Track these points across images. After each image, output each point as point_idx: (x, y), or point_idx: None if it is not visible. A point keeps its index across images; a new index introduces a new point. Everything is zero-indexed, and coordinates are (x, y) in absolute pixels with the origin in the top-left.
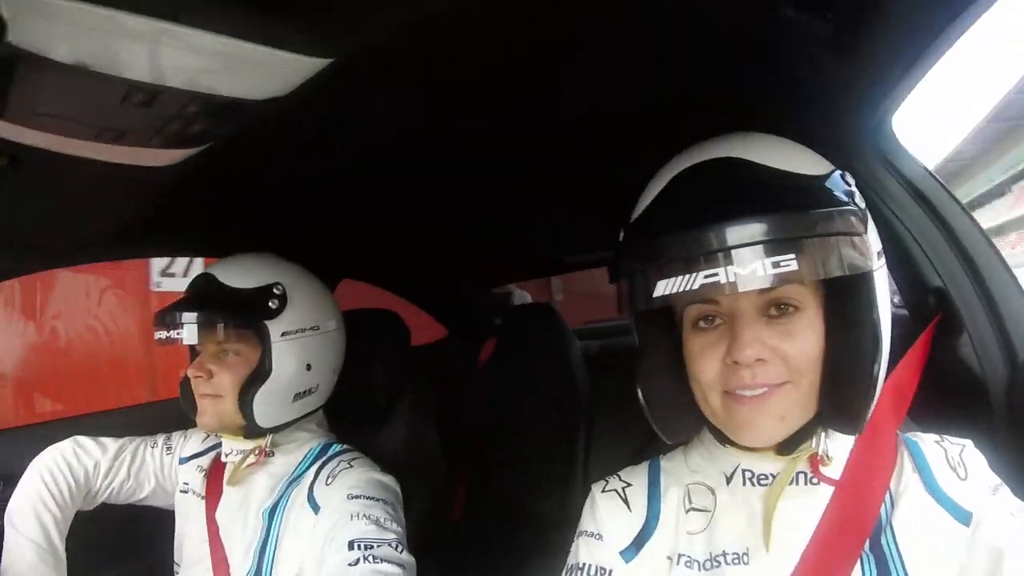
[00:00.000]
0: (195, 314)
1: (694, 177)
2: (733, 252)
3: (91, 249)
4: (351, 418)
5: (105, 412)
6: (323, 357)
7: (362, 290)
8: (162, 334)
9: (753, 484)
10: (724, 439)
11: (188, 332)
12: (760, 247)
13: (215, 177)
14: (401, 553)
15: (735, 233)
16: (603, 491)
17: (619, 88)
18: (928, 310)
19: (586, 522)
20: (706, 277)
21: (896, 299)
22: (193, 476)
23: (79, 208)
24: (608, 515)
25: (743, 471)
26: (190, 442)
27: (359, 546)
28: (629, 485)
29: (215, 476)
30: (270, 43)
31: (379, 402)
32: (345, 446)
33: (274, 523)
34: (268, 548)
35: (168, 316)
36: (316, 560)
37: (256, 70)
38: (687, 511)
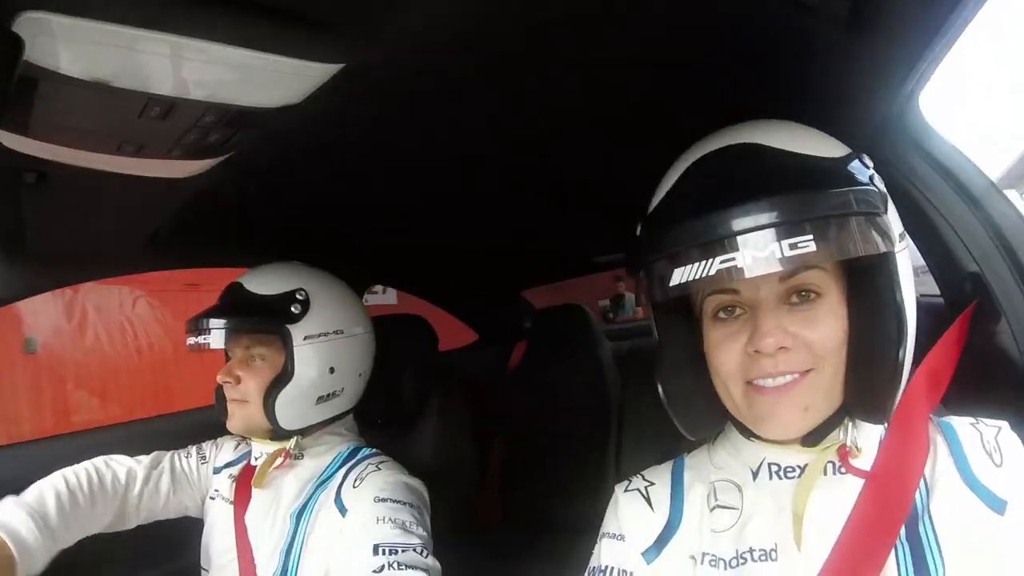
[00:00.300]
0: (221, 320)
1: (707, 165)
2: (749, 236)
3: (122, 261)
4: (380, 422)
5: (141, 420)
6: (347, 361)
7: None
8: (192, 339)
9: (780, 477)
10: (749, 432)
11: (214, 337)
12: (777, 229)
13: (240, 187)
14: (427, 558)
15: (750, 216)
16: (626, 491)
17: (630, 82)
18: (964, 297)
19: (609, 523)
20: (722, 262)
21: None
22: (223, 483)
23: (107, 221)
24: (630, 515)
25: (769, 465)
26: (223, 451)
27: (384, 551)
28: (652, 484)
29: (245, 480)
30: (281, 51)
31: (408, 406)
32: (374, 450)
33: (301, 525)
34: (294, 549)
35: (198, 323)
36: (341, 562)
37: (269, 78)
38: (712, 509)
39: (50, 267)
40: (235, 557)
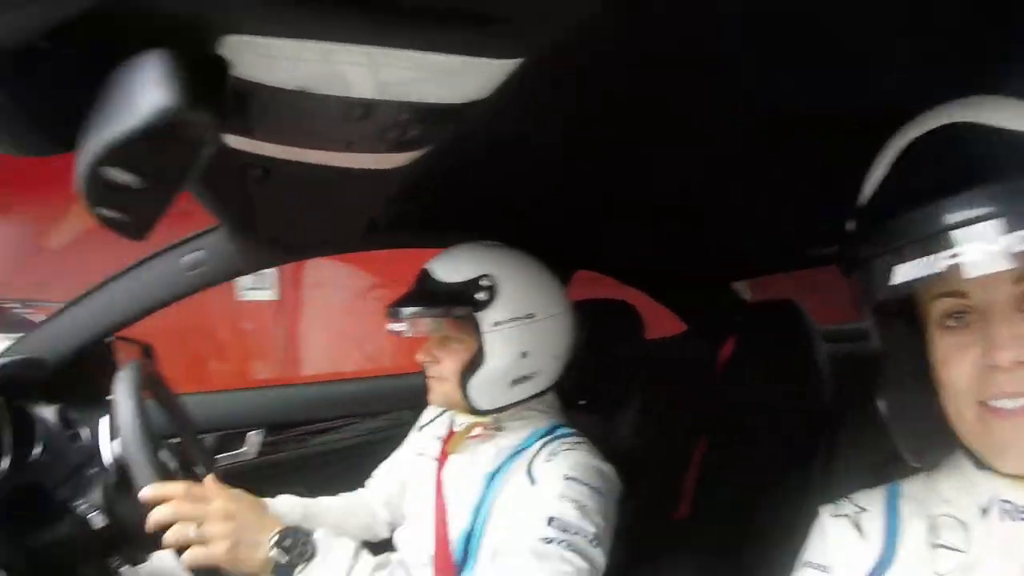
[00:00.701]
0: (411, 309)
1: (918, 150)
2: (971, 228)
3: (341, 242)
4: (582, 404)
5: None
6: (541, 344)
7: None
8: (391, 326)
9: (1012, 519)
10: (981, 462)
11: (407, 325)
12: (1004, 219)
13: (444, 176)
14: (595, 549)
15: (969, 206)
16: (833, 515)
17: (854, 56)
18: None
19: (812, 551)
20: (943, 259)
21: None
22: (429, 443)
23: (325, 209)
24: (838, 544)
25: (1002, 503)
26: (429, 409)
27: (557, 527)
28: (863, 511)
29: (447, 442)
30: (458, 51)
31: (611, 391)
32: (573, 430)
33: (492, 487)
34: (483, 509)
35: (394, 310)
36: (516, 520)
37: (453, 77)
38: (933, 547)
39: (279, 247)
40: (431, 511)
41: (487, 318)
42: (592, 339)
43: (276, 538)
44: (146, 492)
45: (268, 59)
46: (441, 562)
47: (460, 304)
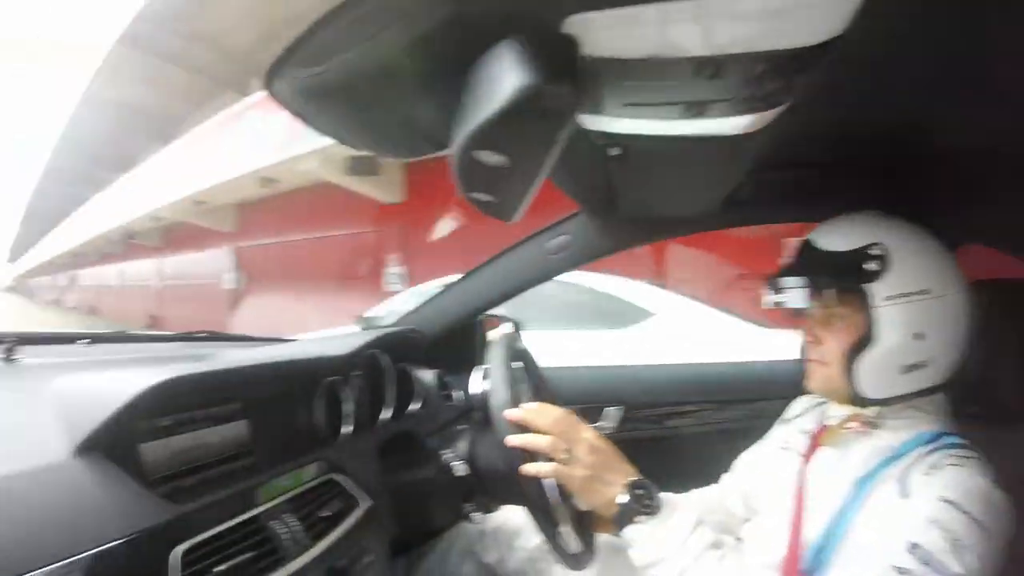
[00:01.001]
0: (791, 279)
1: None
2: None
3: (701, 220)
4: (973, 412)
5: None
6: (936, 327)
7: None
8: (769, 299)
9: None
10: None
11: (786, 296)
12: None
13: (807, 138)
14: None
15: None
16: None
17: None
18: None
19: None
20: None
21: None
22: (795, 437)
23: (682, 184)
24: None
25: None
26: (797, 403)
27: (920, 558)
28: None
29: (816, 436)
30: None
31: (1012, 398)
32: (964, 441)
33: (860, 494)
34: (847, 515)
35: (773, 281)
36: (873, 534)
37: (799, 13)
38: None
39: (638, 226)
40: (788, 507)
41: (878, 291)
42: (988, 330)
43: (630, 484)
44: (533, 406)
45: (609, 31)
46: (790, 566)
47: (847, 275)
